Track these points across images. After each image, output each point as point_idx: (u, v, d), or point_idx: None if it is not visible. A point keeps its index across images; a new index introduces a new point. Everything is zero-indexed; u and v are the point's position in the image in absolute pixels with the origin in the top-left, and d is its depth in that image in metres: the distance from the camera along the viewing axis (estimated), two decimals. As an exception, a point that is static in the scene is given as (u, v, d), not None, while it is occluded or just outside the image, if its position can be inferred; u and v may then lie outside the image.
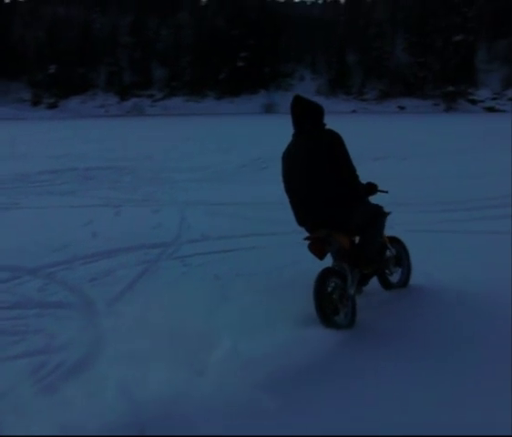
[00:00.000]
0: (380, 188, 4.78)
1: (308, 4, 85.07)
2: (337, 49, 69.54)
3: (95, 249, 6.55)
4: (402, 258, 5.25)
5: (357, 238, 4.77)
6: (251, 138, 25.57)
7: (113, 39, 68.61)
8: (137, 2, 69.79)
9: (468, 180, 11.58)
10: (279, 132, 30.43)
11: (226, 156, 17.09)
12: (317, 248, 4.55)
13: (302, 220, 4.71)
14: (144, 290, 5.23)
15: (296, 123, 4.67)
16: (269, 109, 62.28)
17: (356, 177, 4.59)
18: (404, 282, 5.26)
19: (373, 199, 4.88)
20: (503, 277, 5.34)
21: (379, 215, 4.81)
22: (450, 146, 20.17)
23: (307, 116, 4.61)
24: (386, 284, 5.15)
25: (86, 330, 4.35)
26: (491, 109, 63.00)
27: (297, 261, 6.05)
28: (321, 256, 4.61)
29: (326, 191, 4.44)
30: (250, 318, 4.48)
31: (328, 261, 4.73)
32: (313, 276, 5.47)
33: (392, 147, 19.73)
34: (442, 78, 66.00)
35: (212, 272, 5.77)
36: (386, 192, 4.96)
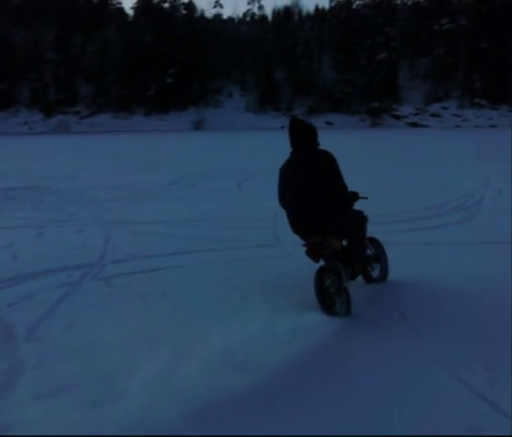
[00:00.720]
0: (360, 195, 5.32)
1: (236, 21, 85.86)
2: (265, 66, 70.41)
3: (14, 273, 6.27)
4: (380, 255, 5.77)
5: (344, 241, 5.36)
6: (180, 155, 25.45)
7: (36, 54, 66.69)
8: (61, 16, 68.23)
9: (391, 194, 11.93)
10: (208, 148, 30.52)
11: (154, 173, 16.89)
12: (314, 253, 5.09)
13: (297, 228, 5.28)
14: (66, 313, 5.05)
15: (294, 143, 5.22)
16: (198, 126, 62.31)
17: (347, 192, 5.25)
18: (383, 277, 5.77)
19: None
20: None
21: (362, 220, 5.42)
22: (374, 160, 20.81)
23: (303, 137, 5.18)
24: (368, 279, 5.70)
25: (3, 358, 4.15)
26: (414, 124, 65.71)
27: (224, 278, 6.04)
28: (316, 259, 5.15)
29: (320, 203, 5.04)
30: (178, 338, 4.42)
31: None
32: (240, 293, 5.52)
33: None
34: (367, 95, 68.20)
35: (138, 292, 5.64)
36: (366, 198, 5.38)
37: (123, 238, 8.18)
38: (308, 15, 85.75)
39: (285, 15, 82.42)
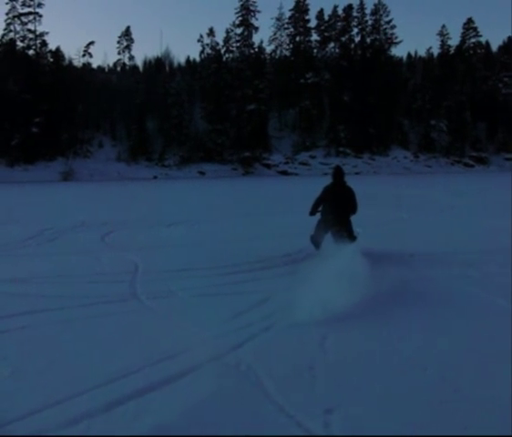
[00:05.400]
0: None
1: (106, 70, 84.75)
2: (137, 116, 69.95)
3: None
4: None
5: None
6: (44, 208, 24.37)
7: None
8: None
9: (252, 243, 12.16)
10: (75, 200, 29.20)
11: (12, 227, 15.89)
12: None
13: (330, 224, 9.60)
14: None
15: (334, 178, 9.88)
16: (67, 177, 60.26)
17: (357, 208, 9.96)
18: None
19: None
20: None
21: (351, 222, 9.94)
22: (240, 209, 21.23)
23: (340, 176, 9.88)
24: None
25: None
26: (284, 173, 68.26)
27: (75, 337, 5.78)
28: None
29: (346, 213, 9.77)
30: (15, 409, 4.11)
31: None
32: (87, 351, 5.28)
33: (187, 212, 20.18)
34: (238, 144, 69.91)
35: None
36: None
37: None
38: (179, 66, 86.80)
39: (156, 65, 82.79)
